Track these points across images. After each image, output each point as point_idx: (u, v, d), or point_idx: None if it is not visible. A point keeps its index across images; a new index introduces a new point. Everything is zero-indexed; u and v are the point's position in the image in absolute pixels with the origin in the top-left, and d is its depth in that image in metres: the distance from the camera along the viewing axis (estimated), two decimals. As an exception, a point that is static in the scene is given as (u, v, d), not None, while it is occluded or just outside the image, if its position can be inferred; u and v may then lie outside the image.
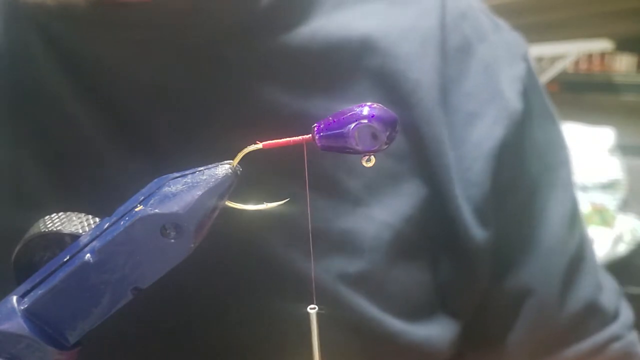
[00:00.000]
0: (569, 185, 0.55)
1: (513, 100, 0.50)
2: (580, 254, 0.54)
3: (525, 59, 0.53)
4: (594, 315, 0.55)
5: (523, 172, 0.52)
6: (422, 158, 0.47)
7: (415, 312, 0.48)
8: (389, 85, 0.48)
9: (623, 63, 2.68)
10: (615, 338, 0.55)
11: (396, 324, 0.46)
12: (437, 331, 0.49)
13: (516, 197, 0.52)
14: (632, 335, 0.56)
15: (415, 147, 0.47)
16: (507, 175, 0.50)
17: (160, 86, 0.44)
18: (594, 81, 2.64)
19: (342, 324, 0.44)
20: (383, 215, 0.47)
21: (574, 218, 0.54)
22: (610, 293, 0.57)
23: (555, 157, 0.55)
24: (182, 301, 0.43)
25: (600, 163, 1.92)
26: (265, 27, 0.46)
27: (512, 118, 0.50)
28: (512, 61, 0.52)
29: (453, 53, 0.50)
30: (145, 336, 0.43)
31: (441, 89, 0.49)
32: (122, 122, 0.44)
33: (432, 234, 0.49)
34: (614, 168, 1.93)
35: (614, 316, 0.56)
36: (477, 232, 0.49)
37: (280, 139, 0.27)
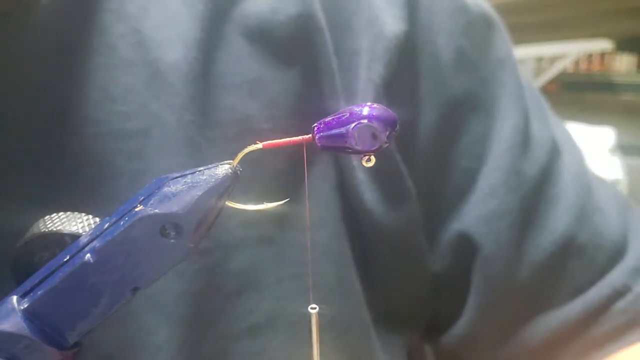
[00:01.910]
0: (514, 98, 0.42)
1: (390, 21, 0.39)
2: (544, 181, 0.42)
3: None
4: (576, 259, 0.41)
5: (430, 106, 0.41)
6: None
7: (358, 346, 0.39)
8: (258, 41, 0.38)
9: (623, 63, 2.68)
10: (618, 294, 0.40)
11: None
12: None
13: (428, 142, 0.41)
14: None
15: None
16: (408, 121, 0.40)
17: None
18: (594, 81, 2.65)
19: None
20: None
21: (526, 137, 0.42)
22: (610, 220, 0.42)
23: (486, 67, 0.42)
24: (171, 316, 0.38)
25: (600, 163, 1.92)
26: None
27: (392, 48, 0.39)
28: None
29: None
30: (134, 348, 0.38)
31: (329, 29, 0.38)
32: None
33: (343, 229, 0.39)
34: (614, 168, 1.93)
35: (617, 254, 0.41)
36: (385, 216, 0.39)
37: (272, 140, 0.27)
